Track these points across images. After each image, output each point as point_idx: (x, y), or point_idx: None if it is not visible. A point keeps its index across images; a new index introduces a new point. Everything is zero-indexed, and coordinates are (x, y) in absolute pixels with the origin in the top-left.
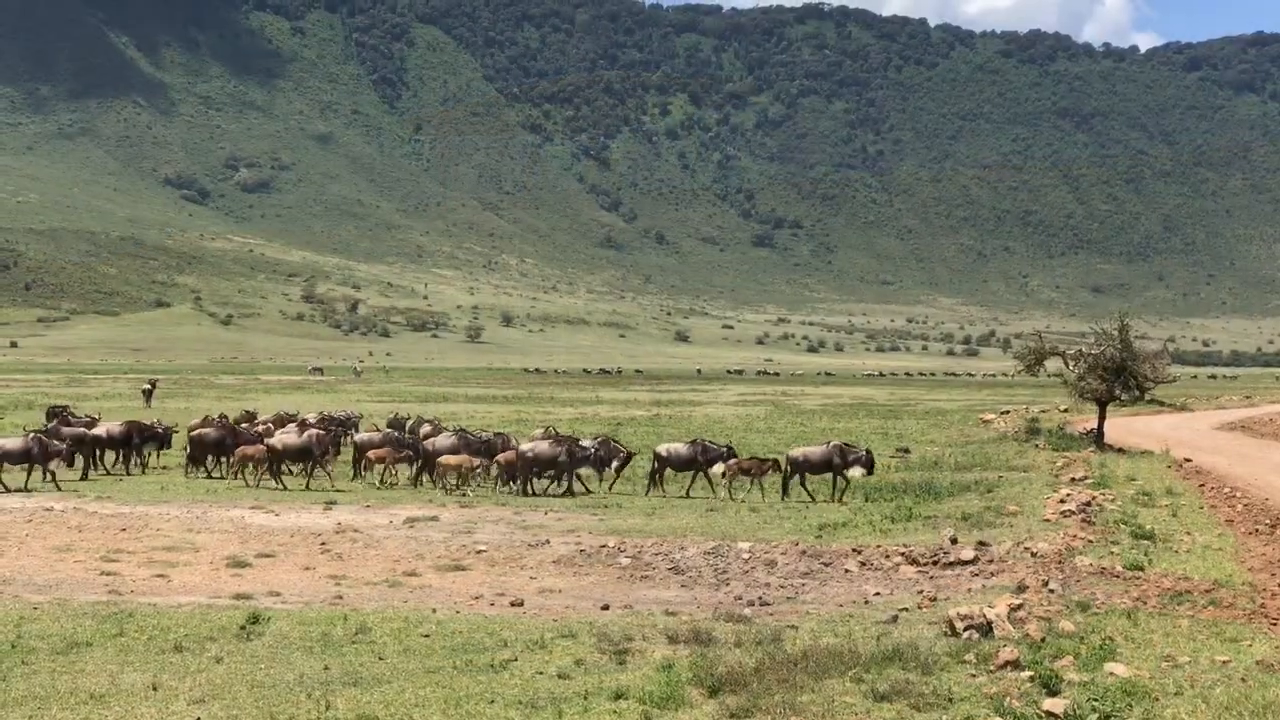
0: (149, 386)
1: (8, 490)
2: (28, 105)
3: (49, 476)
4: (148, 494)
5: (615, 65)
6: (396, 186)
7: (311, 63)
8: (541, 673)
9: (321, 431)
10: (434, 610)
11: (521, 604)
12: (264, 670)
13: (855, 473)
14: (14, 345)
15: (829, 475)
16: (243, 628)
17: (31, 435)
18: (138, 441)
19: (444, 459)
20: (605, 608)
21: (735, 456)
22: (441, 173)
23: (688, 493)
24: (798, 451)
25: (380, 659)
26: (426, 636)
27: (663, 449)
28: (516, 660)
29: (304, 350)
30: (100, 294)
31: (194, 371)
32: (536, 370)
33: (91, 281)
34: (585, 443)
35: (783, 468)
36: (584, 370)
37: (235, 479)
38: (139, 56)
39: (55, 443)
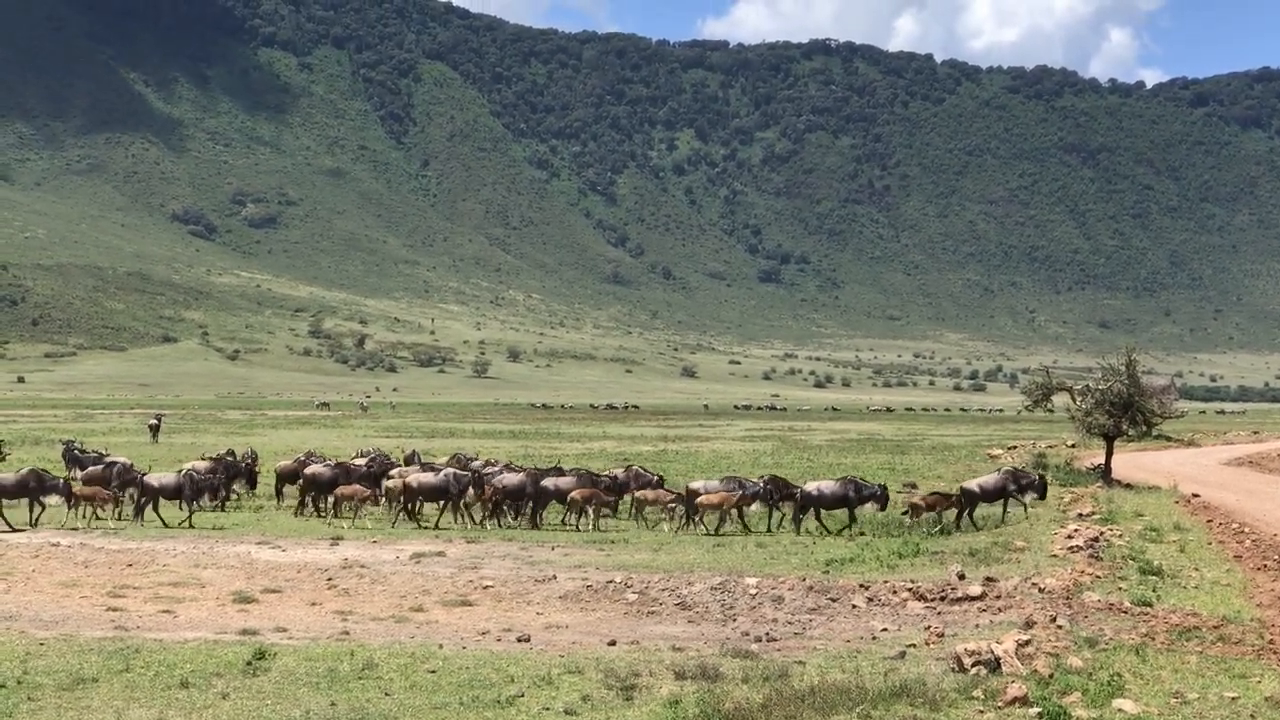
0: (155, 421)
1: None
2: (36, 141)
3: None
4: (153, 530)
5: (622, 101)
6: (404, 222)
7: (319, 98)
8: (548, 709)
9: (460, 470)
10: (441, 646)
11: (528, 639)
12: (270, 706)
13: (1028, 497)
14: (21, 380)
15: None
16: (249, 664)
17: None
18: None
19: (574, 494)
20: (612, 643)
21: (887, 495)
22: (448, 208)
23: (835, 532)
24: (972, 483)
25: (387, 695)
26: (433, 672)
27: (811, 487)
28: (523, 696)
29: (310, 385)
30: (107, 329)
31: (201, 406)
32: (543, 405)
33: (98, 317)
34: (751, 480)
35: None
36: (590, 405)
37: (336, 518)
38: (147, 92)
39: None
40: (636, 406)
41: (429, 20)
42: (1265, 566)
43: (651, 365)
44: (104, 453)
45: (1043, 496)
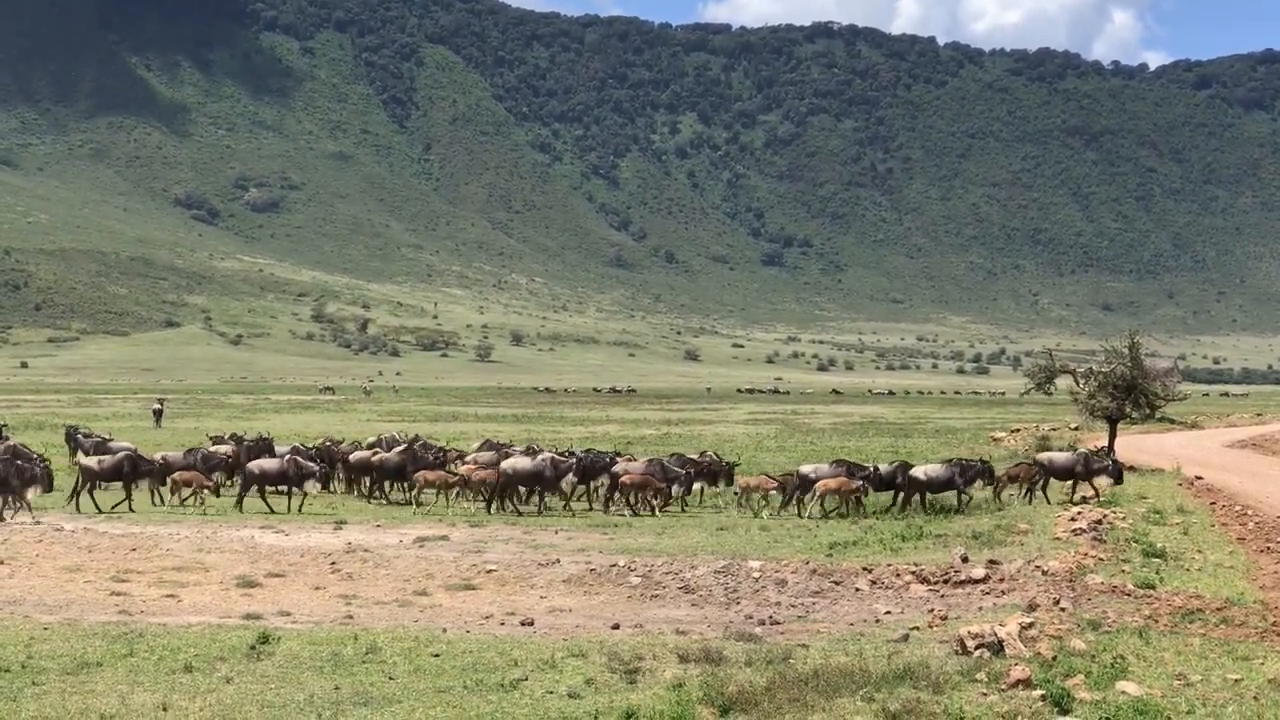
0: (159, 406)
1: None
2: (39, 125)
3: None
4: (157, 514)
5: (624, 84)
6: (406, 206)
7: (321, 82)
8: (552, 692)
9: (557, 456)
10: (444, 630)
11: (532, 623)
12: (274, 690)
13: (1102, 482)
14: (24, 365)
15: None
16: (253, 648)
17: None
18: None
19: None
20: (616, 627)
21: (991, 471)
22: (451, 192)
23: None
24: (1044, 455)
25: (390, 679)
26: (437, 656)
27: (920, 471)
28: (527, 680)
29: (314, 370)
30: (110, 314)
31: (204, 391)
32: (546, 389)
33: (101, 302)
34: (884, 467)
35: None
36: (594, 389)
37: (413, 504)
38: (149, 77)
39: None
40: (633, 390)
41: (431, 4)
42: (1269, 549)
43: (654, 349)
44: (108, 438)
45: (1119, 482)
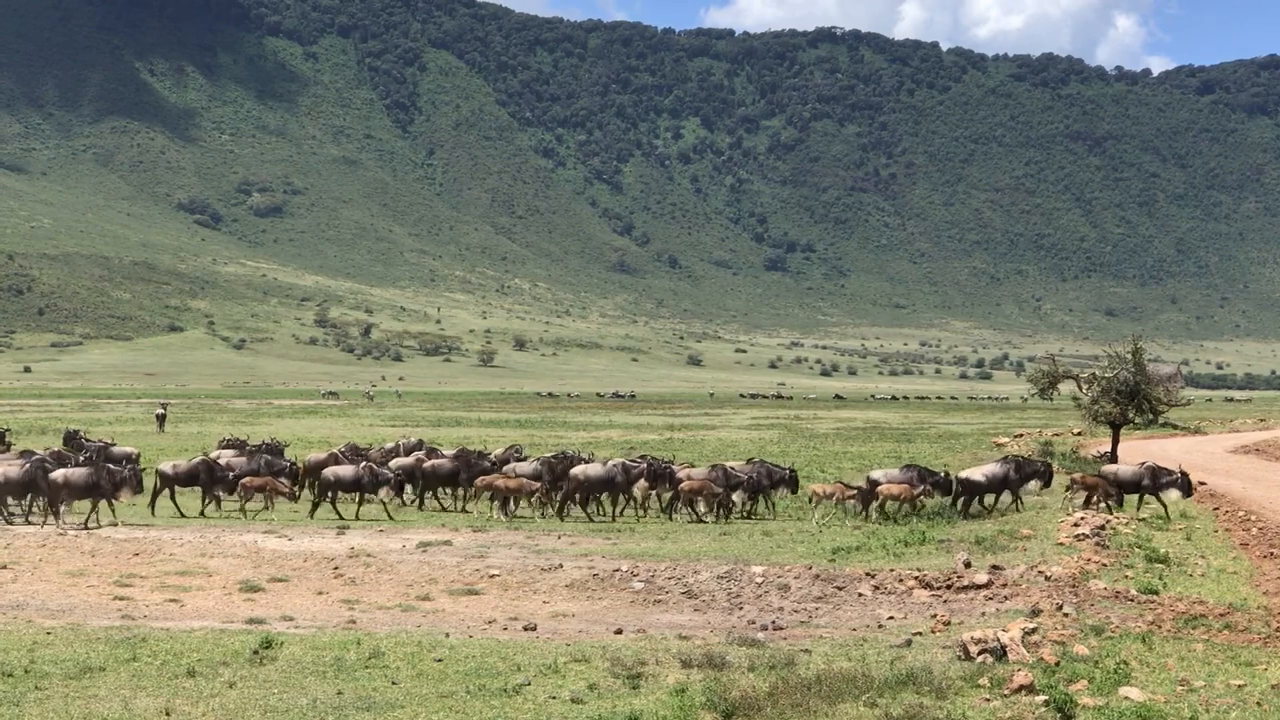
0: (161, 411)
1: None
2: (43, 130)
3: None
4: (160, 519)
5: (628, 89)
6: (409, 211)
7: (325, 87)
8: (555, 697)
9: (629, 462)
10: (447, 635)
11: (534, 628)
12: (277, 695)
13: (1171, 495)
14: (27, 370)
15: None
16: (256, 652)
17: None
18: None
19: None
20: (618, 632)
21: (1050, 472)
22: (454, 197)
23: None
24: (1109, 468)
25: (393, 684)
26: (439, 661)
27: (978, 473)
28: (530, 685)
29: (316, 374)
30: (113, 318)
31: (207, 396)
32: (549, 394)
33: (105, 306)
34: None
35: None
36: (597, 394)
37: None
38: (154, 82)
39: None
40: (634, 395)
41: (434, 9)
42: (1272, 554)
43: (657, 354)
44: (109, 442)
45: (1188, 494)
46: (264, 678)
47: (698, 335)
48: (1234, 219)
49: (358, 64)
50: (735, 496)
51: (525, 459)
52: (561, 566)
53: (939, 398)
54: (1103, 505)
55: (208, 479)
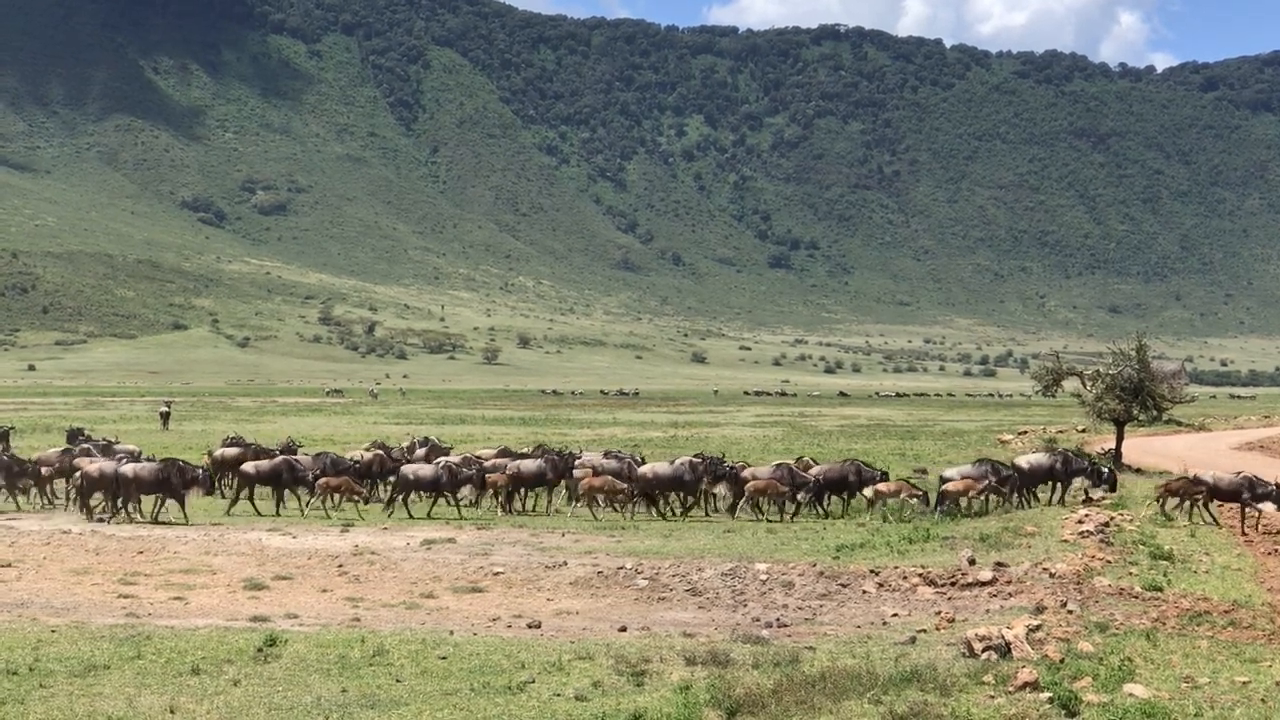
0: (165, 409)
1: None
2: (47, 128)
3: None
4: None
5: (631, 87)
6: (413, 208)
7: (329, 85)
8: (559, 695)
9: (696, 460)
10: (451, 632)
11: (539, 626)
12: (281, 693)
13: (1269, 508)
14: (31, 368)
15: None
16: (260, 650)
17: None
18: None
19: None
20: (623, 629)
21: (1097, 469)
22: (458, 194)
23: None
24: (1205, 474)
25: (397, 681)
26: (444, 659)
27: (1024, 461)
28: (534, 682)
29: (321, 372)
30: (117, 316)
31: (211, 394)
32: (553, 392)
33: (108, 304)
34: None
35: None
36: (601, 392)
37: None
38: (157, 79)
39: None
40: (637, 392)
41: (438, 7)
42: (1276, 551)
43: (661, 351)
44: (113, 440)
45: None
46: (268, 675)
47: (702, 333)
48: (1238, 216)
49: (361, 62)
50: (800, 496)
51: (447, 450)
52: (566, 564)
53: (937, 395)
54: (1195, 512)
55: (289, 478)
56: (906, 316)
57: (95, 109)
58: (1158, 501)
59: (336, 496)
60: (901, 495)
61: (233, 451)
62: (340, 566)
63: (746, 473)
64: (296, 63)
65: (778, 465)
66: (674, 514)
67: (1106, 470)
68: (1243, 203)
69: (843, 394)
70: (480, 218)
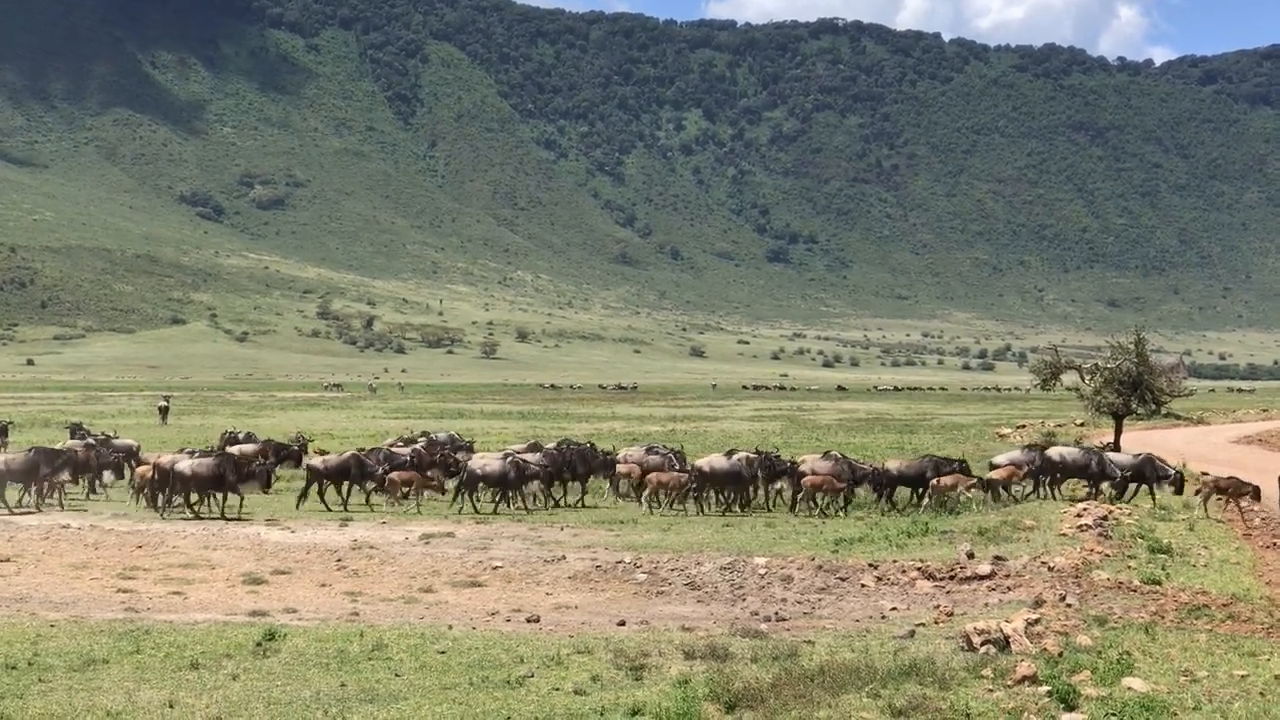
0: (164, 403)
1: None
2: (45, 123)
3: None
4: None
5: (629, 81)
6: (411, 203)
7: (327, 80)
8: (558, 689)
9: (753, 455)
10: (450, 627)
11: (538, 620)
12: (280, 687)
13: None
14: (30, 363)
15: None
16: (259, 645)
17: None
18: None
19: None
20: (622, 624)
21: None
22: (456, 189)
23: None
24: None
25: (396, 676)
26: (443, 653)
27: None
28: (533, 677)
29: (319, 367)
30: (116, 311)
31: (209, 388)
32: (552, 386)
33: (107, 299)
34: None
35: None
36: (599, 386)
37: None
38: (156, 74)
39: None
40: (636, 387)
41: (436, 1)
42: (1274, 544)
43: (660, 345)
44: (112, 435)
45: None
46: (267, 670)
47: (700, 327)
48: (1236, 209)
49: (360, 56)
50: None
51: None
52: (565, 558)
53: (931, 389)
54: (1238, 509)
55: (358, 473)
56: (905, 310)
57: (94, 104)
58: (1201, 500)
59: (406, 489)
60: (958, 488)
61: (250, 448)
62: (339, 561)
63: (804, 466)
64: (295, 57)
65: (835, 459)
66: (734, 510)
67: (1174, 471)
68: (1241, 196)
69: (841, 388)
70: (478, 212)
